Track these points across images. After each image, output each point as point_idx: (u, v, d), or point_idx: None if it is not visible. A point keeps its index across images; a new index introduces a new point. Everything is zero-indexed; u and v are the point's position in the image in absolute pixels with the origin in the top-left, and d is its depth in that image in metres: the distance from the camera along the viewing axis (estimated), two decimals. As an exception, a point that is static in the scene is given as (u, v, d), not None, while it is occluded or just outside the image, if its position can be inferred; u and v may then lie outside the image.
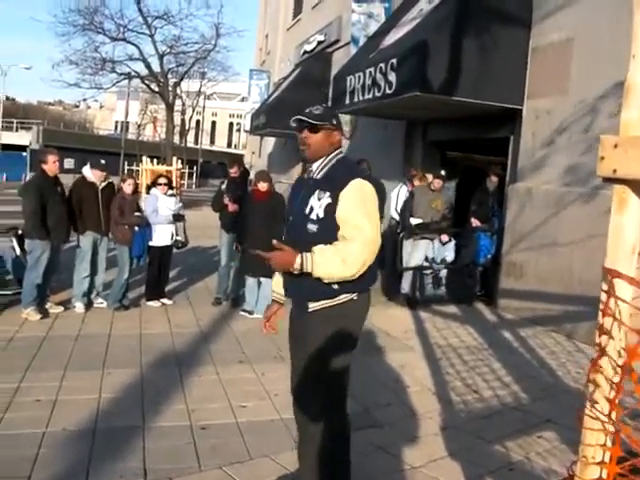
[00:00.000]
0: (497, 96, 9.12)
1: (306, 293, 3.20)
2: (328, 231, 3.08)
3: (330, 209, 3.07)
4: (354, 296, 3.14)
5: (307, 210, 3.16)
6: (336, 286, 3.08)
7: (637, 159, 1.54)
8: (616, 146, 1.60)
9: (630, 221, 1.63)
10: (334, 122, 3.25)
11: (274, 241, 3.12)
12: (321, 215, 3.10)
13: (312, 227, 3.13)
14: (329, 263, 2.99)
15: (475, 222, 9.76)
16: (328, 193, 3.09)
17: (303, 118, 3.18)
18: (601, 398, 1.67)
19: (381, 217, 3.68)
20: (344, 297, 3.12)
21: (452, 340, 7.35)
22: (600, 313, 1.66)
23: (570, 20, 8.26)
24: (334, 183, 3.11)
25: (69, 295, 8.14)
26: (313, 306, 3.16)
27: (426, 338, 7.44)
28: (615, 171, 1.60)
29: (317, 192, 3.15)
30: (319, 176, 3.23)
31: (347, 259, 2.97)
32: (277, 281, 3.54)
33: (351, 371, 3.34)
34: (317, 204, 3.12)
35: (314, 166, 3.26)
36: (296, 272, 3.01)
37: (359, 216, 3.04)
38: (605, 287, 1.64)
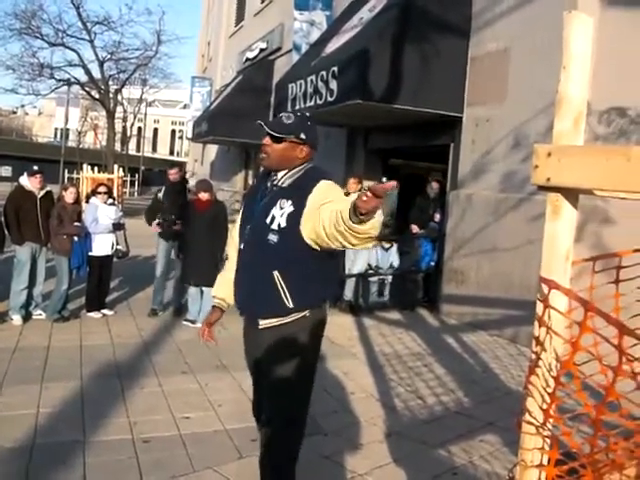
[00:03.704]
0: (437, 104, 9.25)
1: (258, 309, 3.11)
2: (289, 242, 2.92)
3: (293, 218, 2.90)
4: (306, 313, 3.02)
5: (268, 220, 2.99)
6: (291, 304, 2.97)
7: (570, 168, 1.57)
8: (549, 155, 1.63)
9: (564, 228, 1.66)
10: (302, 136, 3.02)
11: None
12: (283, 224, 2.93)
13: (273, 238, 2.96)
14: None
15: (415, 229, 9.86)
16: (291, 201, 2.93)
17: (262, 125, 3.02)
18: (535, 407, 1.70)
19: None
20: (296, 315, 3.01)
21: (396, 346, 7.40)
22: (536, 323, 1.69)
23: (506, 30, 8.44)
24: (299, 191, 2.95)
25: (6, 307, 7.90)
26: (263, 323, 3.06)
27: (370, 345, 7.47)
28: (549, 179, 1.63)
29: (280, 201, 2.98)
30: (284, 184, 3.05)
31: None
32: (219, 285, 3.38)
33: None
34: (279, 213, 2.96)
35: (279, 174, 3.08)
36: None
37: (339, 195, 2.82)
38: (541, 297, 1.66)
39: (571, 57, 1.64)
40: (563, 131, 1.66)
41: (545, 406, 1.67)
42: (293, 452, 3.18)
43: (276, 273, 2.98)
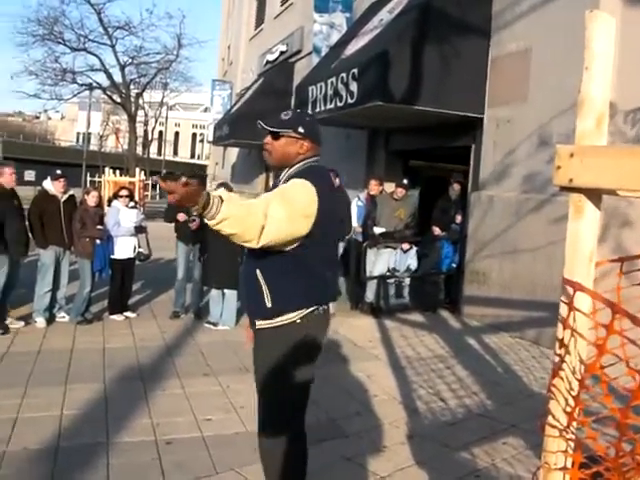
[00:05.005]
0: (458, 105, 9.22)
1: (248, 308, 3.21)
2: None
3: None
4: (296, 319, 2.98)
5: None
6: (269, 304, 2.97)
7: (592, 168, 1.56)
8: (572, 155, 1.61)
9: (587, 229, 1.65)
10: (300, 130, 3.05)
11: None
12: None
13: None
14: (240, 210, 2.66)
15: (436, 230, 9.82)
16: None
17: (261, 124, 3.08)
18: (559, 410, 1.69)
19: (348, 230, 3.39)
20: (281, 319, 2.98)
21: (418, 348, 7.38)
22: (560, 325, 1.67)
23: (527, 30, 8.39)
24: None
25: (30, 310, 7.99)
26: (258, 324, 3.07)
27: (392, 347, 7.45)
28: (571, 180, 1.62)
29: None
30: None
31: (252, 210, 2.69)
32: None
33: (313, 388, 3.21)
34: None
35: (281, 174, 3.12)
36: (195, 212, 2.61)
37: (271, 195, 2.86)
38: (565, 299, 1.65)
39: (593, 57, 1.62)
40: (585, 131, 1.65)
41: (569, 409, 1.65)
42: (283, 461, 3.14)
43: (258, 271, 3.00)
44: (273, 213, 2.68)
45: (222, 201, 2.56)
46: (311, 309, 3.01)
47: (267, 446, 3.16)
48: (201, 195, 2.52)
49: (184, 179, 2.52)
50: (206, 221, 2.60)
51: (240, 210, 2.61)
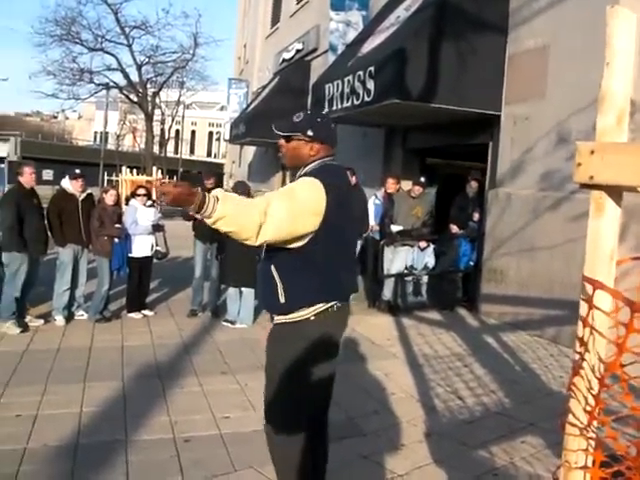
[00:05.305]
0: (475, 102, 9.17)
1: (264, 303, 3.28)
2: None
3: None
4: (310, 315, 2.98)
5: None
6: (282, 299, 2.99)
7: (613, 165, 1.55)
8: (592, 152, 1.61)
9: (608, 227, 1.63)
10: (309, 133, 3.06)
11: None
12: None
13: None
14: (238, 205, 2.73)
15: (454, 228, 9.79)
16: None
17: (273, 128, 3.14)
18: (579, 408, 1.68)
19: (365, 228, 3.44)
20: (295, 316, 2.99)
21: (435, 346, 7.36)
22: (580, 324, 1.66)
23: (545, 27, 8.33)
24: None
25: (49, 308, 8.05)
26: (276, 319, 3.11)
27: (409, 345, 7.44)
28: (592, 177, 1.61)
29: None
30: None
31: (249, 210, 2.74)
32: None
33: (332, 392, 3.27)
34: None
35: (297, 173, 3.15)
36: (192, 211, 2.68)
37: (275, 194, 2.91)
38: (585, 297, 1.64)
39: (614, 53, 1.61)
40: (606, 128, 1.64)
41: (589, 408, 1.64)
42: (293, 461, 3.15)
43: (273, 268, 3.04)
44: (273, 212, 2.73)
45: (218, 200, 2.63)
46: (326, 306, 3.01)
47: (277, 442, 3.18)
48: (196, 195, 2.60)
49: (175, 180, 2.60)
50: (204, 219, 2.68)
51: (236, 209, 2.68)
